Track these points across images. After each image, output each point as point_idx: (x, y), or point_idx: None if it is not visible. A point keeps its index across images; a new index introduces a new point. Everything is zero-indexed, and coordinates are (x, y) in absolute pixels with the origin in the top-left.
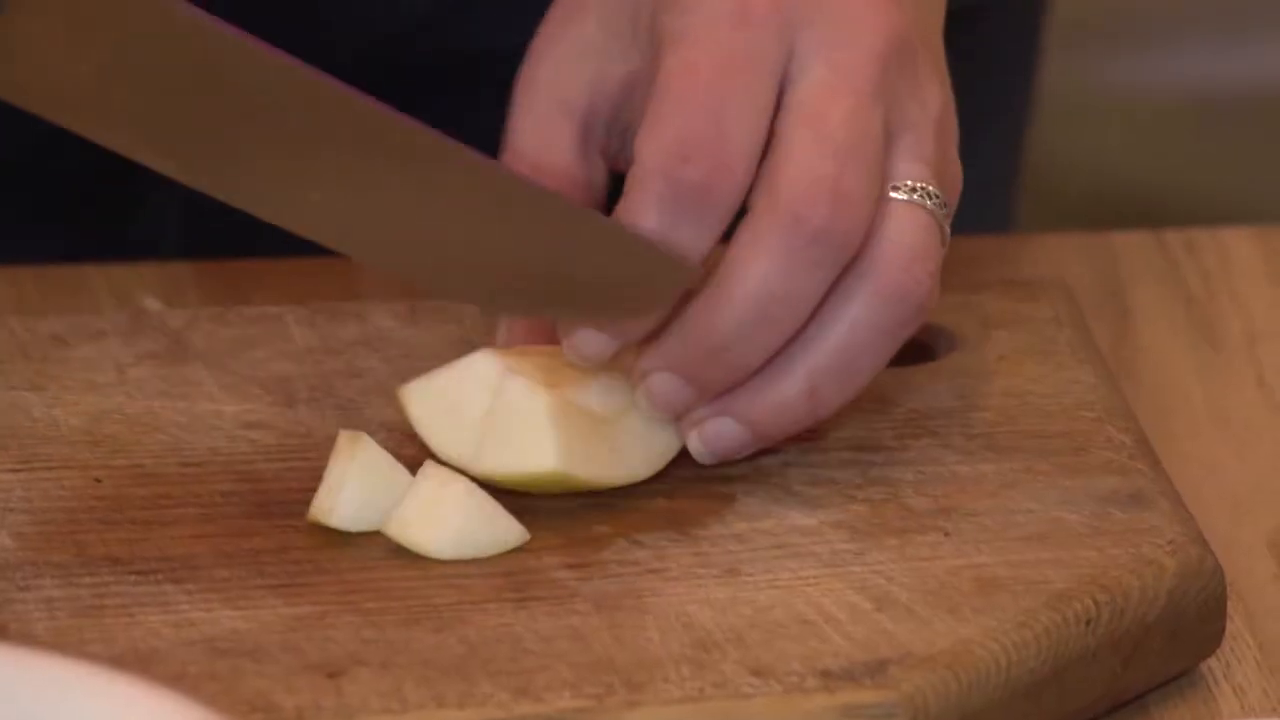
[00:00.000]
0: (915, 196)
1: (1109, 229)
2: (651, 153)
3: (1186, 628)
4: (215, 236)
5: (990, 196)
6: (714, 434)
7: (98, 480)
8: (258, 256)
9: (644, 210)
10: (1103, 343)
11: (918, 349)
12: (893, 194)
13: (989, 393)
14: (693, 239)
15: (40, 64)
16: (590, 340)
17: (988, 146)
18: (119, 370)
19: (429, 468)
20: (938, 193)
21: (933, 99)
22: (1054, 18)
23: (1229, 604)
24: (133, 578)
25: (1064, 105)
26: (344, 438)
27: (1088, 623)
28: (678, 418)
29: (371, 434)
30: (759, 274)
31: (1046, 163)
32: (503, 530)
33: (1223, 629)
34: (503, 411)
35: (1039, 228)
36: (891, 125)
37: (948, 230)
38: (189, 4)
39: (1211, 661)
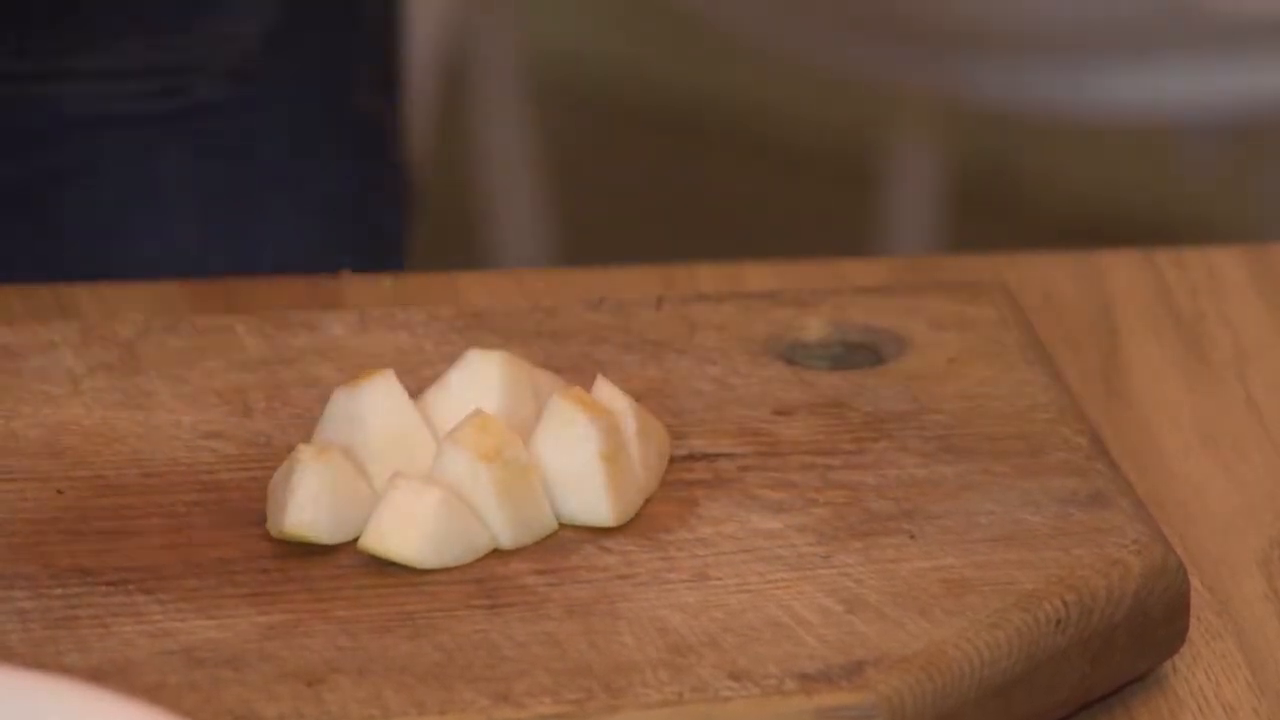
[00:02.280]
0: None
1: (1097, 247)
2: None
3: (1152, 626)
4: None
5: None
6: None
7: (60, 492)
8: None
9: None
10: (1091, 361)
11: (868, 353)
12: None
13: (942, 395)
14: None
15: None
16: None
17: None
18: (73, 381)
19: (399, 479)
20: None
21: None
22: (1016, 37)
23: (1219, 623)
24: (104, 588)
25: (1051, 124)
26: (307, 451)
27: (1058, 623)
28: None
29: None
30: None
31: (1035, 182)
32: (478, 536)
33: (1186, 627)
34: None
35: (1027, 246)
36: None
37: None
38: None
39: (1202, 680)
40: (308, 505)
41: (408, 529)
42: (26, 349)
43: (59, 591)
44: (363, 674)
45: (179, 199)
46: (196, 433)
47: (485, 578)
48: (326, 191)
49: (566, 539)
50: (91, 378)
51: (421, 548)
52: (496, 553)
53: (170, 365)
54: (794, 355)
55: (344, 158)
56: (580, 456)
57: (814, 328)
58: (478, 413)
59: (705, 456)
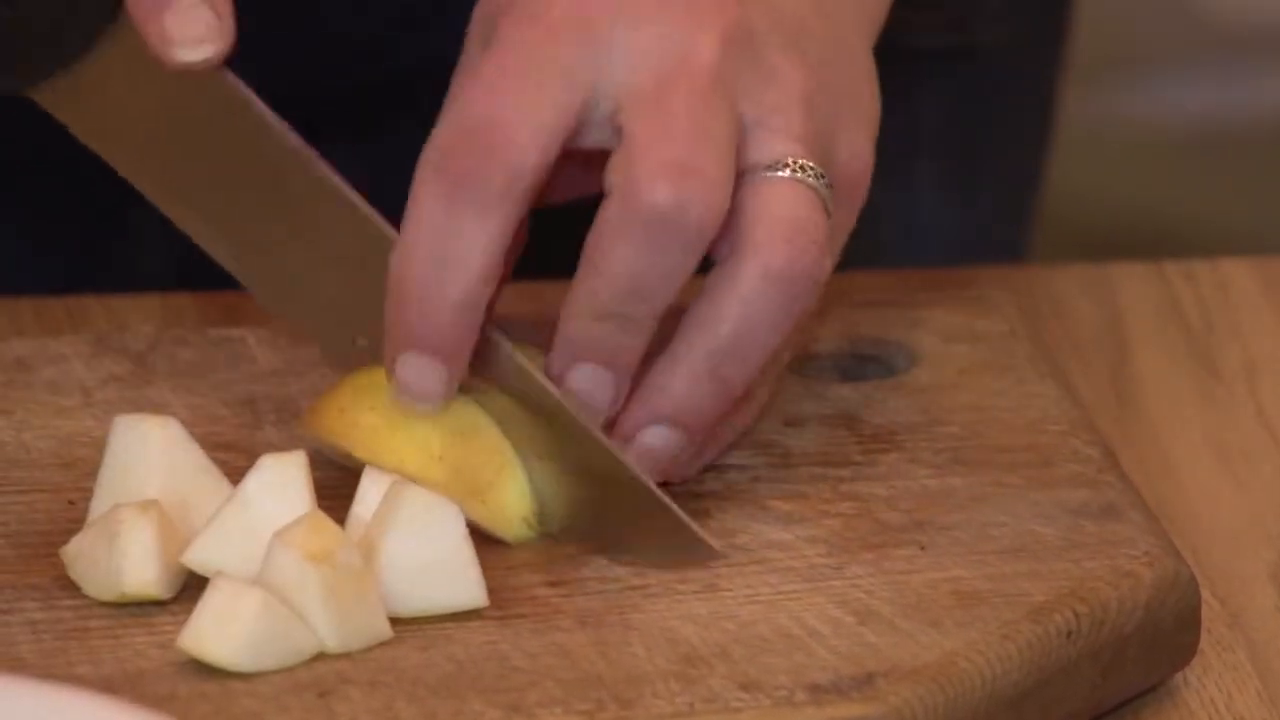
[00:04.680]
0: (790, 173)
1: (1108, 260)
2: (423, 157)
3: (1163, 638)
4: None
5: (992, 234)
6: (642, 445)
7: (71, 503)
8: None
9: (420, 208)
10: (1102, 373)
11: (879, 365)
12: (767, 174)
13: (952, 407)
14: (476, 227)
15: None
16: (408, 365)
17: (989, 185)
18: (84, 393)
19: (220, 579)
20: (814, 167)
21: (792, 81)
22: (1084, 54)
23: (1230, 635)
24: None
25: (1062, 137)
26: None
27: (1069, 634)
28: (608, 422)
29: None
30: (618, 259)
31: (1045, 194)
32: (301, 639)
33: (1197, 639)
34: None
35: (1039, 258)
36: (747, 111)
37: (831, 203)
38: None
39: (1213, 691)
40: (148, 563)
41: (226, 632)
42: (38, 361)
43: (69, 602)
44: (374, 685)
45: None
46: (207, 444)
47: (497, 588)
48: None
49: (576, 550)
50: (103, 389)
51: (239, 651)
52: (507, 563)
53: (181, 377)
54: (804, 367)
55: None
56: (445, 543)
57: (825, 340)
58: (313, 513)
59: (716, 468)
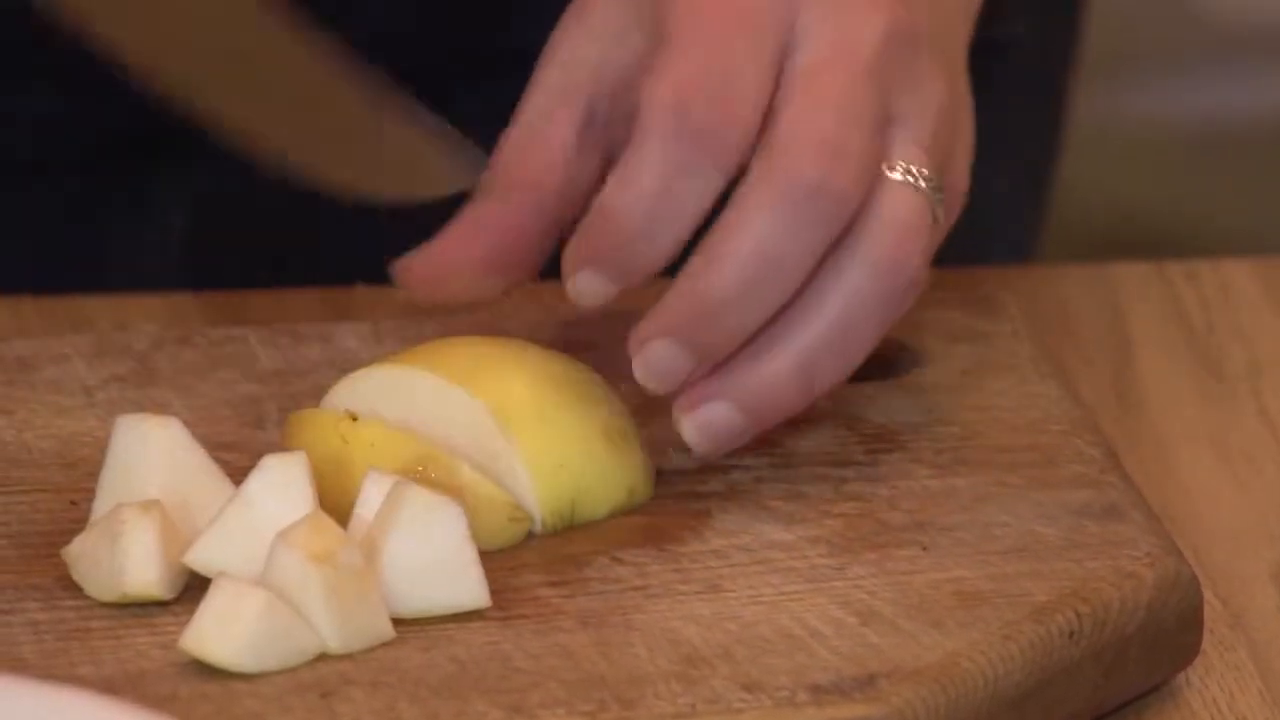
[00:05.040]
0: (910, 178)
1: (1110, 260)
2: (659, 93)
3: (1165, 638)
4: (216, 268)
5: (1003, 232)
6: (707, 419)
7: (73, 503)
8: (256, 288)
9: (651, 152)
10: (1104, 373)
11: (881, 365)
12: (889, 174)
13: (955, 407)
14: (697, 186)
15: None
16: (590, 281)
17: (1003, 182)
18: (87, 393)
19: (222, 580)
20: (933, 177)
21: (933, 94)
22: (1086, 53)
23: (1231, 635)
24: None
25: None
26: (131, 510)
27: (1070, 635)
28: (674, 393)
29: None
30: (757, 231)
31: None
32: (304, 640)
33: (1199, 640)
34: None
35: (1041, 258)
36: (889, 110)
37: (941, 216)
38: None
39: (1215, 691)
40: (150, 564)
41: (228, 632)
42: (40, 360)
43: (71, 603)
44: (376, 685)
45: None
46: (210, 444)
47: (499, 589)
48: None
49: (578, 551)
50: (105, 389)
51: (242, 651)
52: (509, 564)
53: (183, 377)
54: None
55: None
56: (448, 543)
57: None
58: (314, 513)
59: (718, 468)
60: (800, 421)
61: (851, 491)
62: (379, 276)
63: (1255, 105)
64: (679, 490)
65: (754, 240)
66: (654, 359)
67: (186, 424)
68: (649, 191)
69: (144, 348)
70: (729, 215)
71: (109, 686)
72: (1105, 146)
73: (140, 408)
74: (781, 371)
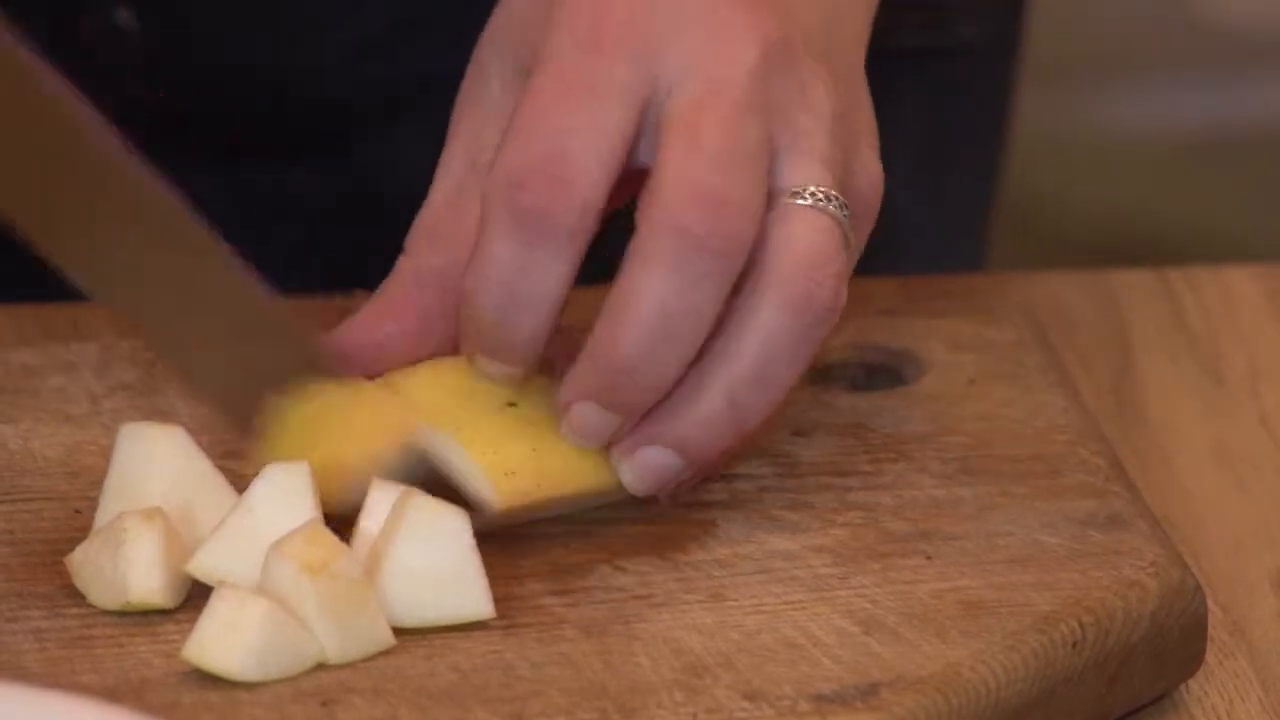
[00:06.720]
0: (813, 200)
1: (1111, 266)
2: (493, 179)
3: (1169, 648)
4: None
5: (959, 232)
6: (644, 463)
7: (78, 511)
8: None
9: (491, 242)
10: (1104, 380)
11: (887, 374)
12: (790, 200)
13: (961, 417)
14: (549, 264)
15: None
16: (483, 364)
17: (956, 183)
18: (93, 401)
19: (224, 589)
20: (837, 195)
21: (821, 102)
22: (1031, 59)
23: (1232, 641)
24: None
25: (1065, 144)
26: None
27: (1074, 645)
28: (606, 446)
29: None
30: (654, 291)
31: (1048, 201)
32: (305, 648)
33: (1203, 649)
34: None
35: (1042, 265)
36: (778, 134)
37: (850, 232)
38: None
39: (1215, 699)
40: (153, 572)
41: (230, 641)
42: (46, 369)
43: (75, 611)
44: (378, 694)
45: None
46: (215, 453)
47: (501, 597)
48: None
49: (581, 559)
50: (111, 398)
51: (244, 660)
52: (512, 573)
53: None
54: (813, 376)
55: None
56: (452, 553)
57: (833, 349)
58: (310, 523)
59: (723, 477)
60: (804, 431)
61: (856, 501)
62: (378, 283)
63: (1256, 113)
64: (682, 499)
65: (651, 301)
66: (579, 422)
67: (191, 432)
68: (495, 280)
69: (150, 356)
70: (624, 275)
71: (112, 694)
72: (1106, 154)
73: (146, 416)
74: (710, 412)
